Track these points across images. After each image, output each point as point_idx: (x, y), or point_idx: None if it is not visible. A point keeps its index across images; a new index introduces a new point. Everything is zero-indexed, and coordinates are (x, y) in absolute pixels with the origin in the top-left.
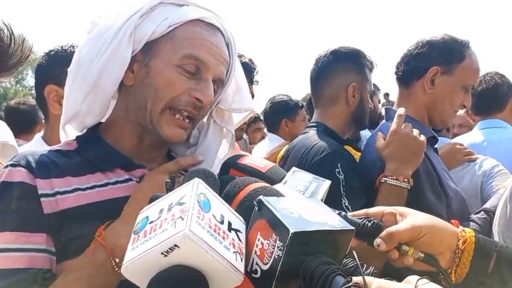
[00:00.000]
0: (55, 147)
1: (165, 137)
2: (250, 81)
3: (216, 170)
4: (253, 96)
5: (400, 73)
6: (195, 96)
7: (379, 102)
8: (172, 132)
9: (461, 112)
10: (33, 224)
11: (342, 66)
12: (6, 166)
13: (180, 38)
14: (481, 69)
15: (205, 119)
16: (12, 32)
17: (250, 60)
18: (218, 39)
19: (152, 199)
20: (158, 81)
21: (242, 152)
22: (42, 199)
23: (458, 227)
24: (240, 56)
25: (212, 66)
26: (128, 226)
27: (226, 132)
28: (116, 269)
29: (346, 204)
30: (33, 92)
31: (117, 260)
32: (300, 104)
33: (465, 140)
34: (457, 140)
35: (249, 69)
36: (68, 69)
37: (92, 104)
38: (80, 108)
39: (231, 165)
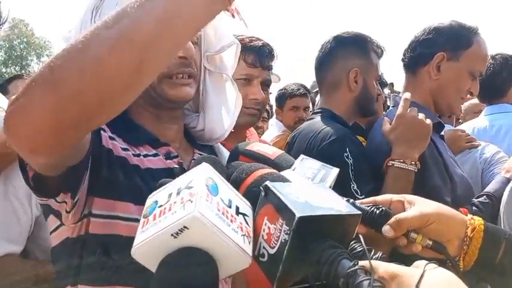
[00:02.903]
0: None
1: (174, 99)
2: (268, 68)
3: (234, 115)
4: (269, 81)
5: (406, 60)
6: (178, 56)
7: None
8: (178, 92)
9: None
10: None
11: (343, 52)
12: None
13: None
14: (489, 55)
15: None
16: None
17: (264, 43)
18: None
19: (160, 184)
20: None
21: (252, 139)
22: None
23: (467, 215)
24: (255, 40)
25: None
26: None
27: (226, 78)
28: None
29: (355, 188)
30: None
31: None
32: (289, 93)
33: (471, 125)
34: (463, 126)
35: (262, 54)
36: None
37: None
38: None
39: (240, 151)
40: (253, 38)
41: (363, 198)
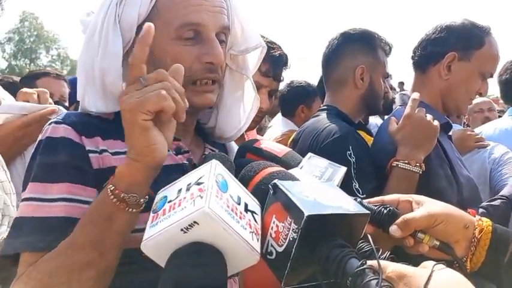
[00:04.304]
0: (93, 113)
1: (196, 106)
2: (279, 79)
3: (249, 117)
4: (276, 91)
5: (416, 58)
6: (206, 61)
7: (392, 89)
8: (201, 100)
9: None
10: (86, 178)
11: (350, 48)
12: (50, 123)
13: (165, 11)
14: (501, 56)
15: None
16: None
17: (282, 54)
18: None
19: (170, 180)
20: (166, 62)
21: (258, 137)
22: (90, 155)
23: (475, 216)
24: (273, 48)
25: (209, 22)
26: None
27: (246, 79)
28: (112, 196)
29: (357, 187)
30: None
31: (111, 187)
32: (315, 92)
33: (495, 126)
34: (487, 126)
35: (277, 65)
36: (77, 76)
37: (112, 101)
38: (102, 108)
39: (248, 149)
40: (273, 46)
41: (364, 198)
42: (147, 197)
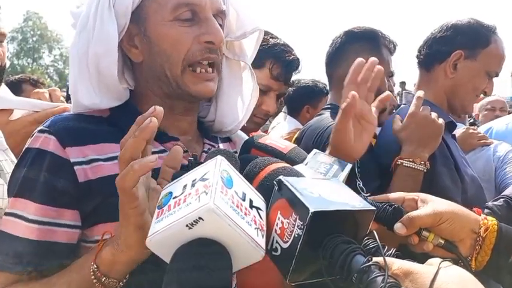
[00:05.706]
0: (86, 112)
1: (196, 94)
2: (289, 83)
3: (249, 108)
4: (284, 94)
5: (421, 56)
6: (205, 40)
7: (394, 85)
8: (201, 88)
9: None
10: (63, 200)
11: (354, 47)
12: (40, 131)
13: None
14: (506, 56)
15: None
16: None
17: (294, 58)
18: None
19: (174, 177)
20: (163, 45)
21: (261, 133)
22: (76, 167)
23: (480, 215)
24: (287, 52)
25: (206, 3)
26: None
27: (244, 66)
28: (93, 277)
29: (361, 185)
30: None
31: (94, 267)
32: (325, 91)
33: (506, 121)
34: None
35: (289, 70)
36: (70, 67)
37: (106, 94)
38: (95, 101)
39: (252, 145)
40: (287, 49)
41: (368, 196)
42: (125, 280)
